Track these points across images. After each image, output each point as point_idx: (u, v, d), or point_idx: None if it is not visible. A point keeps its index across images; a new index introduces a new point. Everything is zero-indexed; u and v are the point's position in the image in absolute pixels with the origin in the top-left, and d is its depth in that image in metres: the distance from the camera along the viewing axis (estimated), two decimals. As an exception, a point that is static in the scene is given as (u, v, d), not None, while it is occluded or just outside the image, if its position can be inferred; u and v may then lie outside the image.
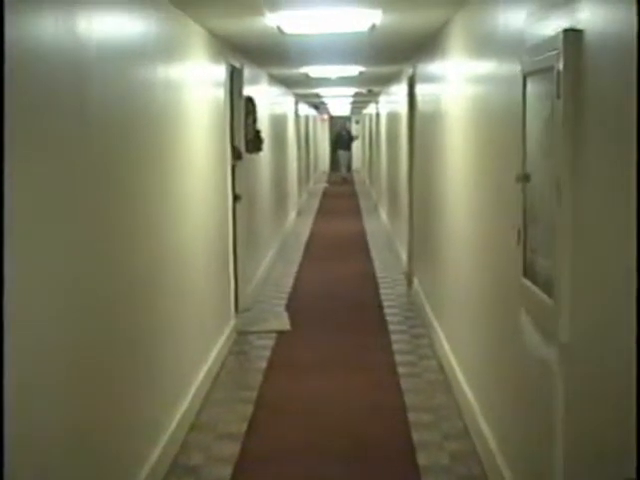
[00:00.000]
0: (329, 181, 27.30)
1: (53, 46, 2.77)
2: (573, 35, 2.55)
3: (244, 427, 4.84)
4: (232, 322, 6.80)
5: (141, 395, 3.88)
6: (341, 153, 28.24)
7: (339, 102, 20.15)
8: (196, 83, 5.45)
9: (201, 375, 5.34)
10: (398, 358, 6.16)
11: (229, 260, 6.78)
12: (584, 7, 2.51)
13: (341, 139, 28.25)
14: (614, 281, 2.24)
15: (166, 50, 4.61)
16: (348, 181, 26.79)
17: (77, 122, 3.01)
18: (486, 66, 4.38)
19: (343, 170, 27.89)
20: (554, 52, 2.67)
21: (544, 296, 2.86)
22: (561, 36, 2.59)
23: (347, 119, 31.00)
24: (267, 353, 6.37)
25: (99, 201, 3.26)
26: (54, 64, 2.77)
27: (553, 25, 2.82)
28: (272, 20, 5.48)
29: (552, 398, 2.84)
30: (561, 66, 2.61)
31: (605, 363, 2.33)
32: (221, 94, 6.50)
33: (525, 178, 3.16)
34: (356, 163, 31.05)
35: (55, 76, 2.78)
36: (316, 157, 29.08)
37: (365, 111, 25.40)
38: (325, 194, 22.13)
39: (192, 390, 5.04)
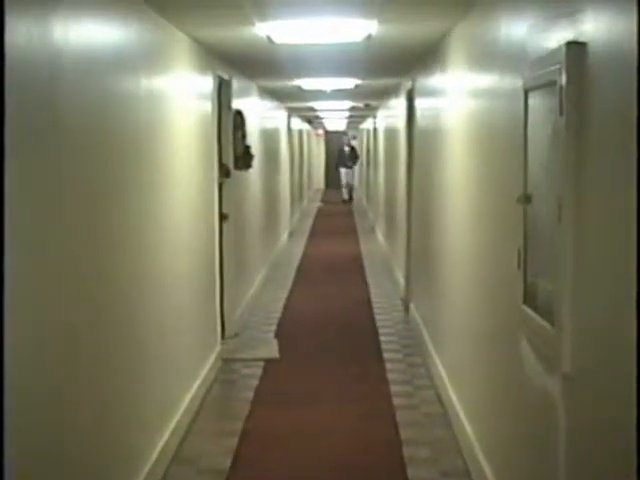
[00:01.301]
0: (324, 200, 27.32)
1: (25, 54, 2.76)
2: (576, 48, 2.56)
3: (228, 461, 4.81)
4: (218, 349, 6.78)
5: (119, 425, 3.86)
6: (342, 172, 25.78)
7: (335, 116, 20.21)
8: (181, 95, 5.46)
9: (184, 405, 5.32)
10: (393, 388, 6.14)
11: (215, 283, 6.77)
12: (588, 18, 2.52)
13: (343, 155, 25.95)
14: (619, 306, 2.23)
15: (148, 60, 4.62)
16: (348, 203, 25.28)
17: (49, 135, 3.01)
18: (487, 80, 4.39)
19: (345, 192, 25.70)
20: (557, 66, 2.68)
21: (545, 323, 2.86)
22: (564, 49, 2.60)
23: (343, 134, 30.19)
24: (254, 382, 6.35)
25: (68, 224, 3.25)
26: (25, 73, 2.77)
27: (556, 37, 2.84)
28: (262, 30, 5.50)
29: (554, 432, 2.83)
30: (564, 80, 2.62)
31: (610, 394, 2.32)
32: (208, 107, 6.52)
33: (526, 199, 3.16)
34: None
35: (25, 86, 2.78)
36: (310, 174, 29.13)
37: (362, 126, 25.47)
38: (319, 214, 22.16)
39: (174, 421, 5.02)
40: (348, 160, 25.74)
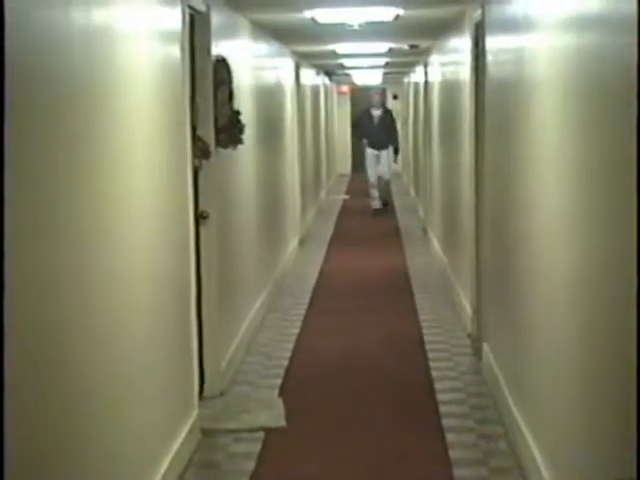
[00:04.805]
0: (350, 191, 27.36)
1: None
2: None
3: None
4: (194, 415, 6.76)
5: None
6: (369, 156, 21.21)
7: (366, 64, 20.22)
8: (134, 35, 5.45)
9: (142, 502, 5.28)
10: (458, 473, 6.12)
11: (190, 317, 6.77)
12: None
13: (368, 125, 21.07)
14: None
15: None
16: (382, 213, 21.11)
17: None
18: (597, 3, 4.32)
19: (374, 194, 21.03)
20: None
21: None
22: None
23: (377, 91, 26.49)
24: (249, 465, 6.34)
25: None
26: None
27: None
28: None
29: None
30: None
31: None
32: (175, 53, 6.50)
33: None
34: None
35: None
36: (330, 152, 29.20)
37: (407, 79, 25.51)
38: (344, 211, 22.19)
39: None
40: (379, 135, 20.94)
